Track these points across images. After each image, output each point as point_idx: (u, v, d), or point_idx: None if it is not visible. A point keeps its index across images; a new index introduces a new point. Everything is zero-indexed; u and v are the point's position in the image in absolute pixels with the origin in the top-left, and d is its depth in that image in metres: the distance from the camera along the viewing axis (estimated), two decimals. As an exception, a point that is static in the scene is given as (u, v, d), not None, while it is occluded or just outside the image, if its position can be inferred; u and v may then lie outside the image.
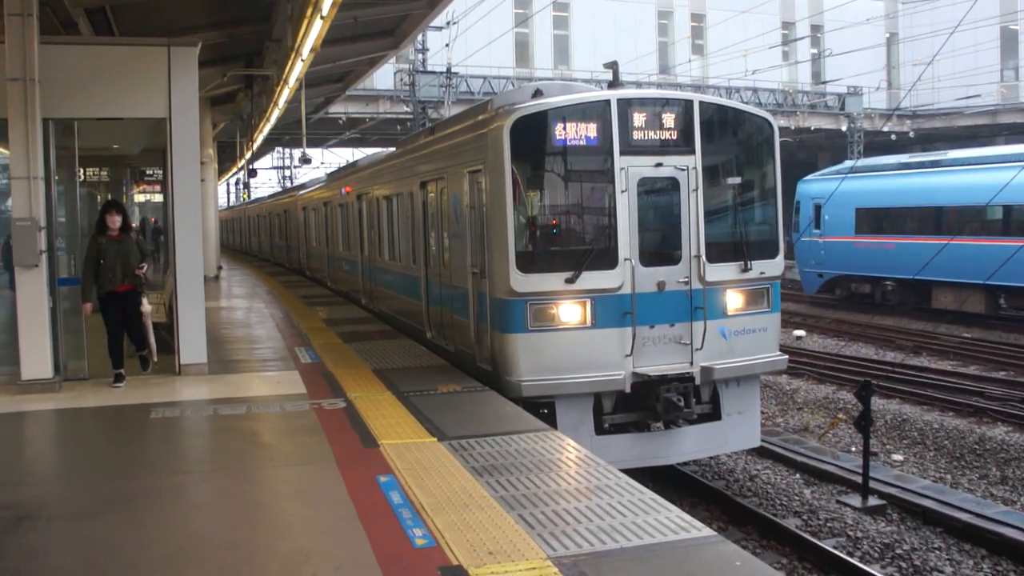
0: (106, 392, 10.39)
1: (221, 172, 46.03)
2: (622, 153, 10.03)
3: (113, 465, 7.65)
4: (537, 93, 11.13)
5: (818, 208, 29.13)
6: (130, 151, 18.43)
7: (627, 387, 10.00)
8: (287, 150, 61.74)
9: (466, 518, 5.91)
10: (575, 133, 9.95)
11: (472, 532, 5.66)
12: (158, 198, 21.55)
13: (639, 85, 39.51)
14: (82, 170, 17.65)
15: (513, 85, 35.64)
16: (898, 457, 13.68)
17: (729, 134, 11.04)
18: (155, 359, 11.30)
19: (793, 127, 45.31)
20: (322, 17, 11.37)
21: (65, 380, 10.75)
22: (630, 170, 10.04)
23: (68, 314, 11.19)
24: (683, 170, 10.29)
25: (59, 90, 10.57)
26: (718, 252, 10.51)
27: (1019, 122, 46.41)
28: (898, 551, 9.77)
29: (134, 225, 10.67)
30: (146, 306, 10.97)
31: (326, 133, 44.00)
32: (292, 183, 59.51)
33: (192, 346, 11.28)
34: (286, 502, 6.76)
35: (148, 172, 20.32)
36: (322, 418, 8.88)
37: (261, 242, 43.82)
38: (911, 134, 48.87)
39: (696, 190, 10.31)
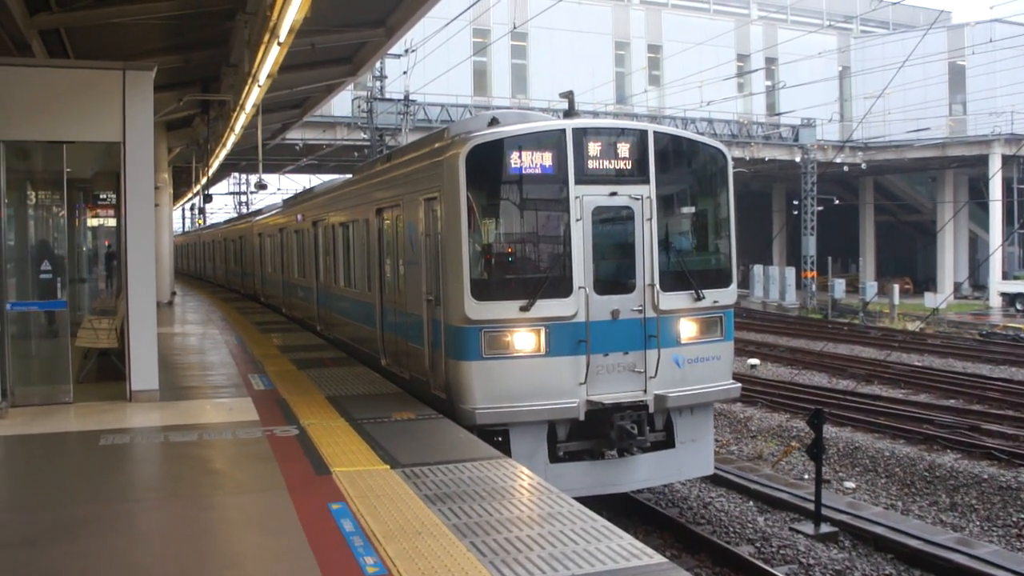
0: (54, 419, 10.17)
1: (177, 197, 45.58)
2: (577, 182, 10.09)
3: (60, 493, 7.50)
4: (493, 122, 11.18)
5: None
6: (83, 175, 18.22)
7: (581, 415, 10.01)
8: (244, 176, 61.33)
9: (418, 546, 5.88)
10: (530, 162, 10.00)
11: (424, 560, 5.63)
12: (112, 222, 21.27)
13: (595, 115, 39.85)
14: (33, 193, 17.45)
15: (471, 113, 35.75)
16: (850, 484, 13.83)
17: (683, 164, 11.17)
18: None
19: (747, 158, 45.93)
20: (279, 43, 11.33)
21: (12, 407, 10.54)
22: (585, 199, 10.11)
23: (16, 339, 10.98)
24: (637, 199, 10.37)
25: (11, 112, 10.44)
26: (672, 281, 10.58)
27: (966, 155, 47.40)
28: (849, 578, 9.86)
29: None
30: None
31: (283, 159, 43.82)
32: (248, 209, 59.12)
33: (143, 372, 11.11)
34: (236, 530, 6.68)
35: (102, 196, 20.05)
36: (274, 445, 8.80)
37: (216, 268, 43.46)
38: (863, 165, 49.82)
39: (650, 219, 10.39)
